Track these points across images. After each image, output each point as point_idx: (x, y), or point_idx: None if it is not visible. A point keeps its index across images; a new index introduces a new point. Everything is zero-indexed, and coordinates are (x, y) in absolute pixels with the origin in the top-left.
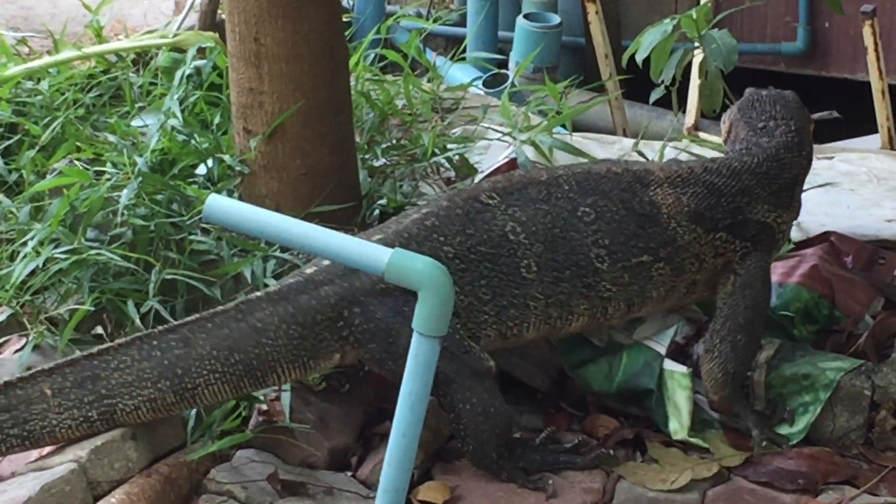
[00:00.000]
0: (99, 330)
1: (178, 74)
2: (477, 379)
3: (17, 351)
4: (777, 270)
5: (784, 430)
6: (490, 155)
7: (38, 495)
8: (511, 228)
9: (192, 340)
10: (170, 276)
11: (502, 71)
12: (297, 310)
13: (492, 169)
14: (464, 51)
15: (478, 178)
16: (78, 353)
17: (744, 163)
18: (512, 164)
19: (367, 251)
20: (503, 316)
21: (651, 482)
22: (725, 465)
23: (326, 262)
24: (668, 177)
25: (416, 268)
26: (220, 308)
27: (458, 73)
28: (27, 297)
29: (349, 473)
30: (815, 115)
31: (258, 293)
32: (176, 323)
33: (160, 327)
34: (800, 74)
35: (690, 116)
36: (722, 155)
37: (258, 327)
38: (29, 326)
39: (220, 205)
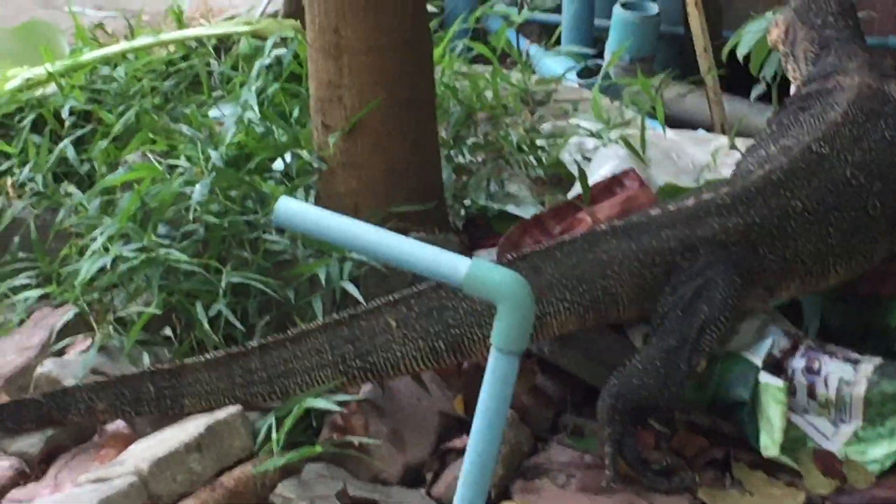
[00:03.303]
0: (168, 332)
1: (257, 65)
2: (684, 347)
3: (82, 352)
4: (886, 283)
5: (881, 450)
6: (596, 162)
7: None
8: (851, 173)
9: (541, 269)
10: (238, 280)
11: (597, 61)
12: (639, 247)
13: (594, 183)
14: (559, 39)
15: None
16: (424, 285)
17: None
18: (615, 180)
19: (445, 260)
20: (853, 253)
21: None
22: (815, 493)
23: (672, 206)
24: None
25: (495, 279)
26: (565, 238)
27: (553, 64)
28: (94, 296)
29: (423, 490)
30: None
31: (602, 226)
32: (525, 252)
33: (508, 255)
34: None
35: None
36: None
37: (604, 259)
38: (96, 326)
39: (291, 208)
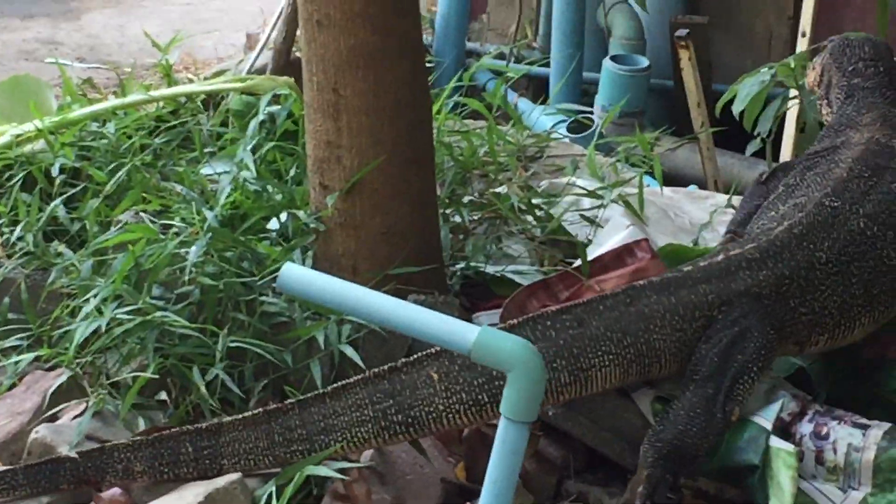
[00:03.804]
0: (163, 395)
1: (252, 124)
2: (719, 395)
3: (76, 416)
4: (891, 346)
5: None
6: (607, 231)
7: None
8: (865, 224)
9: (585, 321)
10: (235, 343)
11: (587, 116)
12: (679, 302)
13: (605, 251)
14: (548, 92)
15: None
16: None
17: None
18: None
19: (454, 328)
20: (876, 304)
21: None
22: None
23: (703, 262)
24: None
25: (506, 347)
26: (608, 292)
27: (542, 118)
28: (88, 359)
29: None
30: None
31: (641, 282)
32: (568, 304)
33: (551, 308)
34: None
35: None
36: None
37: (645, 313)
38: (89, 390)
39: (296, 274)
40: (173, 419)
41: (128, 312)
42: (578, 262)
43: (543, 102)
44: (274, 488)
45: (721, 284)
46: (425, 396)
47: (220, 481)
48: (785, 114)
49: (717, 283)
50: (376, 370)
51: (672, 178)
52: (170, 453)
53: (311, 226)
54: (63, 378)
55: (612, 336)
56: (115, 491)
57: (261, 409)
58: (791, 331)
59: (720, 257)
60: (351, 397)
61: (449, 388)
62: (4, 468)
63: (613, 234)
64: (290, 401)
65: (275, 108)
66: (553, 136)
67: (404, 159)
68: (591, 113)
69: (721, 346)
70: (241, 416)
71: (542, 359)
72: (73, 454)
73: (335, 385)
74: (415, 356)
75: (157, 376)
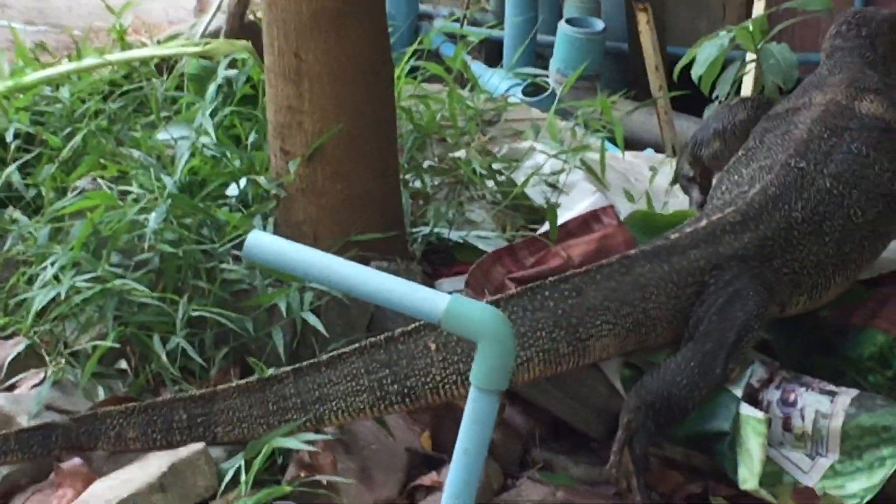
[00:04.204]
0: (123, 364)
1: (211, 88)
2: (721, 351)
3: (34, 386)
4: (854, 312)
5: (859, 484)
6: (573, 196)
7: None
8: (831, 184)
9: (584, 291)
10: (196, 312)
11: (542, 78)
12: (672, 269)
13: (571, 217)
14: (501, 56)
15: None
16: None
17: None
18: (592, 216)
19: (423, 296)
20: (847, 262)
21: None
22: None
23: (688, 229)
24: None
25: (475, 316)
26: (602, 262)
27: (497, 81)
28: (45, 327)
29: None
30: None
31: (633, 251)
32: (567, 273)
33: (551, 278)
34: None
35: None
36: None
37: (641, 282)
38: (48, 359)
39: (263, 242)
40: (133, 388)
41: (86, 280)
42: (542, 229)
43: (497, 66)
44: (243, 462)
45: (710, 249)
46: (422, 367)
47: (184, 451)
48: (742, 78)
49: (705, 249)
50: (373, 339)
51: (628, 143)
52: (163, 420)
53: (272, 192)
54: (21, 347)
55: (610, 306)
56: (76, 461)
57: (255, 377)
58: (776, 291)
59: (703, 223)
60: (347, 366)
61: (446, 358)
62: None
63: (579, 199)
64: (285, 368)
65: (232, 72)
66: (510, 100)
67: (366, 125)
68: (547, 77)
69: (717, 306)
70: (234, 383)
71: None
72: (67, 421)
73: (331, 353)
74: (412, 325)
75: (116, 345)
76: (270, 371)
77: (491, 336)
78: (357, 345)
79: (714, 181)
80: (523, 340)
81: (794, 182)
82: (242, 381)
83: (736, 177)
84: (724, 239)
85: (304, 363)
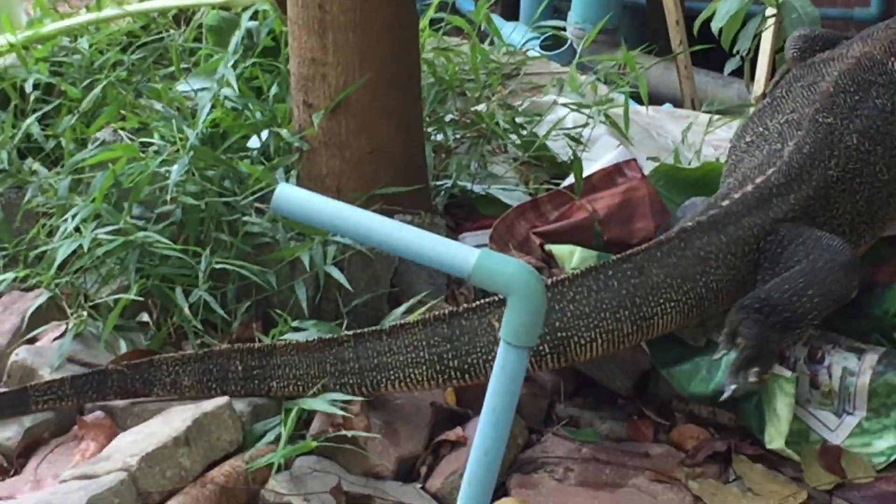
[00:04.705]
0: (145, 317)
1: (234, 40)
2: (829, 267)
3: (56, 339)
4: (879, 270)
5: (886, 442)
6: (596, 150)
7: None
8: (858, 140)
9: (646, 269)
10: (218, 264)
11: (561, 31)
12: (729, 239)
13: (595, 171)
14: (516, 9)
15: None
16: None
17: None
18: (616, 169)
19: (453, 251)
20: (875, 219)
21: None
22: (819, 489)
23: (736, 194)
24: None
25: (506, 271)
26: (662, 237)
27: (514, 34)
28: (66, 279)
29: (418, 485)
30: None
31: (689, 223)
32: (627, 252)
33: (614, 257)
34: None
35: (760, 85)
36: None
37: (701, 255)
38: (69, 312)
39: (291, 195)
40: (154, 342)
41: (108, 232)
42: (565, 182)
43: (513, 20)
44: (282, 420)
45: (762, 215)
46: (484, 344)
47: (208, 405)
48: (761, 33)
49: (757, 215)
50: (437, 313)
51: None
52: (219, 370)
53: (295, 145)
54: (42, 299)
55: (673, 282)
56: (98, 414)
57: (316, 338)
58: None
59: (749, 187)
60: (408, 337)
61: None
62: (52, 378)
63: (603, 153)
64: (346, 332)
65: (252, 23)
66: (530, 53)
67: (391, 77)
68: (565, 30)
69: (801, 254)
70: (293, 340)
71: (543, 285)
72: (122, 366)
73: (393, 323)
74: (476, 303)
75: (139, 298)
76: (295, 323)
77: (522, 291)
78: (421, 317)
79: (738, 129)
80: (588, 321)
81: (824, 139)
82: (302, 340)
83: (761, 128)
84: (773, 202)
85: (366, 329)
